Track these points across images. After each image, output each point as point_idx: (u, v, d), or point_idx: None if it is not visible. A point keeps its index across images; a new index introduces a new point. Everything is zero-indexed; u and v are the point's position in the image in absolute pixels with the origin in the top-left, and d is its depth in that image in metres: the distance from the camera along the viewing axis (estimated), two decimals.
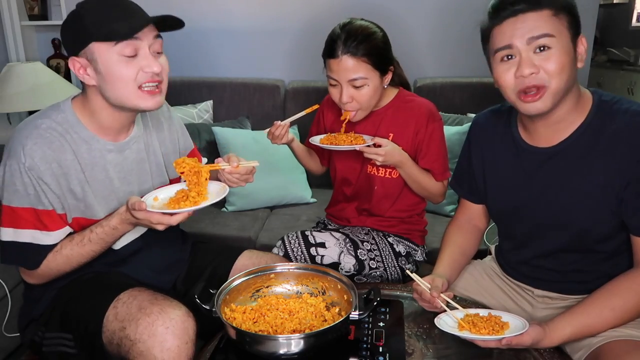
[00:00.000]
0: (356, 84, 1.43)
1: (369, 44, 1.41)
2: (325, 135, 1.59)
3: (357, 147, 1.44)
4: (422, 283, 1.21)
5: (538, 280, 1.30)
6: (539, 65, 1.06)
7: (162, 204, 1.18)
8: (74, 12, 1.14)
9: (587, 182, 1.12)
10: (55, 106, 1.21)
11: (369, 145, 1.46)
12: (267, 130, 1.58)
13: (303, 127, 2.42)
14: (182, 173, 1.17)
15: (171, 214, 1.11)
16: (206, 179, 1.18)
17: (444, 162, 1.57)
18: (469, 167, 1.36)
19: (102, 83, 1.14)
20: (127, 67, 1.13)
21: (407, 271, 1.25)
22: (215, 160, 1.25)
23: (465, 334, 1.09)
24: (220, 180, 1.26)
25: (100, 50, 1.11)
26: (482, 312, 1.16)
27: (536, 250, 1.26)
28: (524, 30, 1.05)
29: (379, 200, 1.63)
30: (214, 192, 1.19)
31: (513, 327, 1.09)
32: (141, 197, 1.15)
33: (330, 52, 1.43)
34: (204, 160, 1.54)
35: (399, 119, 1.55)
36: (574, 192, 1.13)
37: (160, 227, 1.13)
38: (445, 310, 1.18)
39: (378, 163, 1.47)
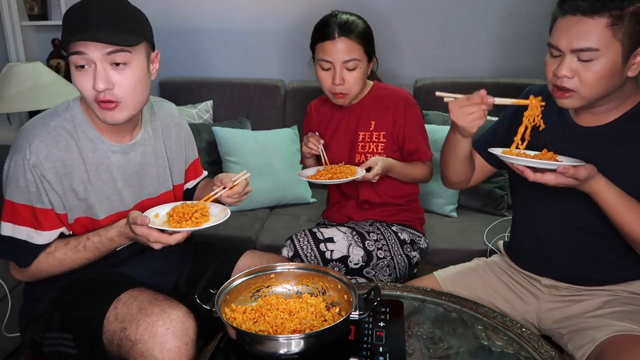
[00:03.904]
0: (349, 66, 1.51)
1: (361, 29, 1.52)
2: (316, 170, 1.62)
3: (359, 177, 1.49)
4: (459, 95, 1.19)
5: (549, 266, 1.32)
6: (576, 70, 1.09)
7: (162, 222, 1.18)
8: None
9: (623, 163, 1.15)
10: (65, 103, 1.22)
11: (369, 169, 1.52)
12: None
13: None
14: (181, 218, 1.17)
15: (170, 233, 1.12)
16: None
17: (426, 141, 1.67)
18: (507, 132, 1.34)
19: None
20: (81, 79, 1.11)
21: (440, 94, 1.23)
22: (213, 185, 1.29)
23: (520, 159, 1.10)
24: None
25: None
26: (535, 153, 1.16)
27: (556, 228, 1.28)
28: (573, 37, 1.07)
29: (374, 187, 1.66)
30: (215, 214, 1.21)
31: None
32: (143, 211, 1.16)
33: (324, 35, 1.51)
34: (205, 173, 1.56)
35: (378, 107, 1.64)
36: (607, 171, 1.15)
37: (157, 246, 1.13)
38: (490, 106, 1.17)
39: (375, 180, 1.54)
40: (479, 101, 1.16)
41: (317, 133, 1.71)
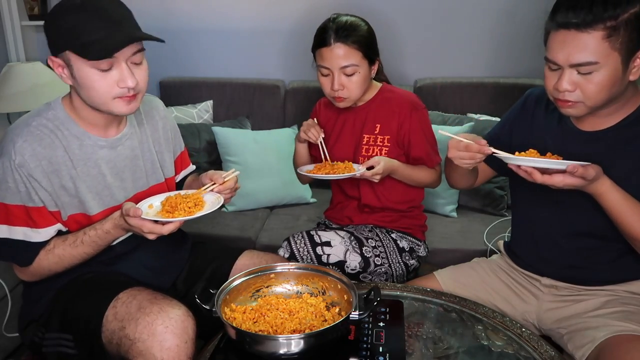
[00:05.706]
0: (347, 72, 1.49)
1: (358, 33, 1.49)
2: (314, 165, 1.63)
3: (358, 174, 1.48)
4: (462, 139, 1.19)
5: (548, 266, 1.32)
6: (577, 83, 1.08)
7: (156, 212, 1.19)
8: (52, 11, 1.13)
9: (625, 167, 1.15)
10: (46, 104, 1.23)
11: (369, 168, 1.51)
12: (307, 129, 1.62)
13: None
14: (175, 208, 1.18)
15: (163, 223, 1.12)
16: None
17: (433, 147, 1.63)
18: (508, 137, 1.35)
19: (77, 86, 1.16)
20: (102, 80, 1.12)
21: (445, 133, 1.23)
22: (202, 181, 1.30)
23: (528, 159, 1.08)
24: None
25: (75, 59, 1.11)
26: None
27: (555, 230, 1.28)
28: (569, 52, 1.06)
29: (376, 190, 1.65)
30: (209, 202, 1.21)
31: None
32: (136, 203, 1.16)
33: (321, 41, 1.49)
34: (192, 166, 1.57)
35: (384, 110, 1.61)
36: (611, 175, 1.14)
37: (152, 237, 1.14)
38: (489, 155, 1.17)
39: (376, 180, 1.52)
40: (476, 151, 1.17)
41: (316, 120, 1.69)
